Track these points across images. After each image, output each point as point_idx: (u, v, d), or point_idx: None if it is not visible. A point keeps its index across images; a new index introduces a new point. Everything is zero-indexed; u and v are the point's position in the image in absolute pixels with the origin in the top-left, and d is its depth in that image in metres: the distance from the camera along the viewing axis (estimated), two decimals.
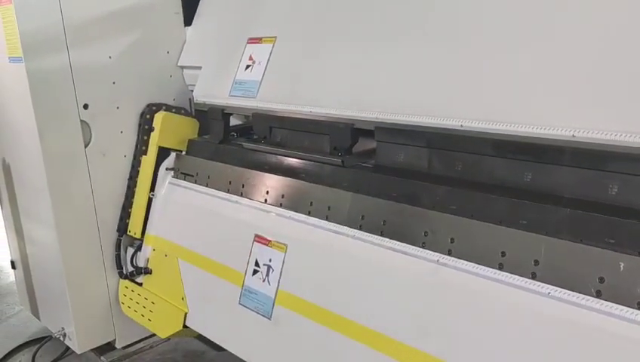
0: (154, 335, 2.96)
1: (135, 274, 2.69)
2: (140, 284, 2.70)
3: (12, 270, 3.14)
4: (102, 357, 2.84)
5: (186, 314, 2.44)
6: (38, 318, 3.00)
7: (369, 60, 1.97)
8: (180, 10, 2.76)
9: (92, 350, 2.80)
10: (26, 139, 2.48)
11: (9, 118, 2.62)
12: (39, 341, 2.97)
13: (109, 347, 2.84)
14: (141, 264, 2.69)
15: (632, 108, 1.34)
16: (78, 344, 2.68)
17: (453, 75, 1.72)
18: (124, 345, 2.85)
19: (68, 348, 2.85)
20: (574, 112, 1.44)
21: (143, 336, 2.93)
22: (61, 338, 2.75)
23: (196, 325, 2.43)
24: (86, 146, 2.52)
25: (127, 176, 2.69)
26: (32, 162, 2.49)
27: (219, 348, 2.81)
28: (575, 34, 1.49)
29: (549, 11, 1.56)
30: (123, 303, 2.74)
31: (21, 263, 2.97)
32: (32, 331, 3.15)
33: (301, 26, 2.28)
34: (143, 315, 2.63)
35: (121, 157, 2.65)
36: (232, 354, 2.80)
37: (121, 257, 2.73)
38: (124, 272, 2.71)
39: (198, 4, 2.80)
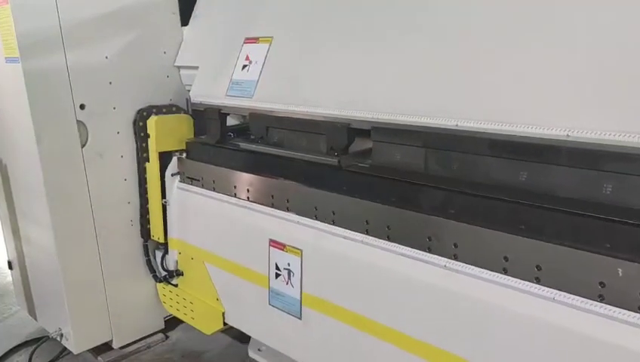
0: (151, 335, 2.97)
1: (168, 277, 2.76)
2: (176, 286, 2.77)
3: (9, 270, 3.13)
4: (99, 358, 2.84)
5: (223, 312, 2.52)
6: (35, 318, 3.00)
7: (365, 60, 1.97)
8: (177, 10, 2.76)
9: (89, 350, 2.80)
10: (22, 140, 2.48)
11: (5, 119, 2.62)
12: (36, 341, 2.97)
13: (106, 347, 2.84)
14: (171, 267, 2.78)
15: (626, 108, 1.35)
16: (75, 344, 2.68)
17: (448, 75, 1.72)
18: (121, 345, 2.85)
19: (65, 349, 2.85)
20: (569, 112, 1.44)
21: (140, 336, 2.93)
22: (58, 339, 2.75)
23: (235, 323, 2.52)
24: (83, 147, 2.52)
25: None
26: (28, 162, 2.48)
27: (218, 348, 2.83)
28: (569, 34, 1.49)
29: (543, 11, 1.56)
30: (164, 302, 2.87)
31: (18, 263, 2.96)
32: (29, 331, 3.14)
33: (298, 26, 2.29)
34: (185, 314, 2.74)
35: (117, 157, 2.65)
36: (229, 355, 2.83)
37: (152, 262, 2.82)
38: (158, 276, 2.80)
39: (194, 4, 2.80)
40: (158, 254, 2.85)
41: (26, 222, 2.76)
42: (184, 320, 2.78)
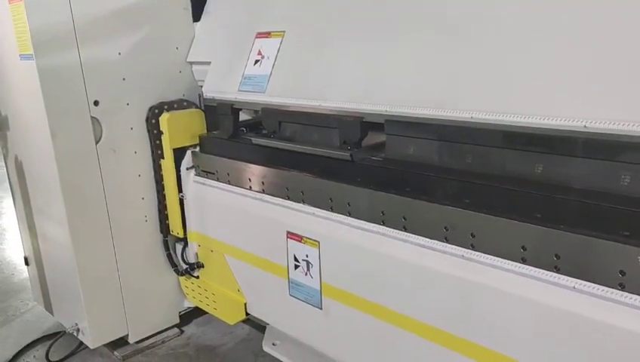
0: (166, 329, 2.99)
1: (190, 270, 2.80)
2: (197, 277, 2.81)
3: (25, 266, 3.17)
4: (115, 352, 2.86)
5: (245, 303, 2.56)
6: (52, 314, 3.03)
7: (378, 53, 1.96)
8: (189, 6, 2.77)
9: (105, 345, 2.82)
10: (37, 137, 2.50)
11: (20, 116, 2.65)
12: (53, 336, 3.00)
13: (121, 342, 2.86)
14: (191, 259, 2.81)
15: None
16: (91, 339, 2.71)
17: (463, 66, 1.71)
18: (136, 339, 2.88)
19: (81, 343, 2.88)
20: (585, 103, 1.42)
21: (156, 331, 2.95)
22: (74, 334, 2.78)
23: (257, 313, 2.56)
24: (97, 143, 2.54)
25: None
26: (43, 159, 2.50)
27: (232, 342, 2.84)
28: (586, 23, 1.47)
29: (559, 2, 1.54)
30: (187, 294, 2.92)
31: (34, 259, 3.00)
32: (45, 326, 3.17)
33: (309, 20, 2.28)
34: (208, 305, 2.79)
35: (131, 153, 2.67)
36: (244, 350, 2.84)
37: (172, 256, 2.86)
38: (180, 269, 2.84)
39: (206, 0, 2.80)
40: (178, 248, 2.88)
41: (42, 219, 2.79)
42: (207, 310, 2.82)
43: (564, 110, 1.45)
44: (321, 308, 2.12)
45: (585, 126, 1.40)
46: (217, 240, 2.62)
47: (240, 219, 2.46)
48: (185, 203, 2.73)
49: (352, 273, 2.00)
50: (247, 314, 2.60)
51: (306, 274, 2.14)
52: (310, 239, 2.09)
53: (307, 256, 2.12)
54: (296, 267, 2.18)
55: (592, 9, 1.47)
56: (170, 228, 2.81)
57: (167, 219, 2.80)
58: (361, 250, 1.93)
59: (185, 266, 2.84)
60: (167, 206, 2.78)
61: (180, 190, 2.72)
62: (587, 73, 1.44)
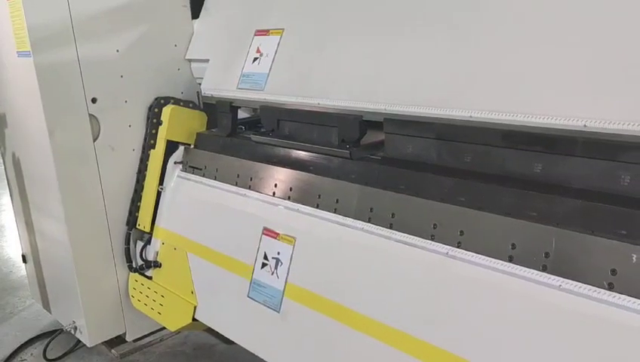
0: (164, 328, 2.97)
1: (144, 267, 2.69)
2: (150, 278, 2.71)
3: (23, 264, 3.16)
4: (112, 350, 2.86)
5: (195, 307, 2.44)
6: (49, 312, 3.02)
7: (377, 52, 1.95)
8: (188, 3, 2.75)
9: (103, 343, 2.82)
10: (35, 134, 2.49)
11: (18, 113, 2.64)
12: (50, 334, 3.00)
13: (119, 340, 2.85)
14: (150, 257, 2.69)
15: None
16: (88, 337, 2.69)
17: (462, 65, 1.70)
18: (134, 338, 2.87)
19: (79, 342, 2.87)
20: (586, 102, 1.41)
21: (153, 329, 2.94)
22: (72, 332, 2.77)
23: (205, 318, 2.43)
24: (95, 140, 2.53)
25: (136, 170, 2.70)
26: (41, 156, 2.50)
27: (229, 341, 2.82)
28: (586, 22, 1.46)
29: (559, 0, 1.53)
30: (133, 296, 2.75)
31: (32, 257, 2.99)
32: (43, 324, 3.17)
33: (309, 18, 2.27)
34: (152, 308, 2.64)
35: (129, 151, 2.66)
36: (241, 348, 2.82)
37: (131, 251, 2.74)
38: (134, 266, 2.72)
39: None
40: (139, 245, 2.76)
41: (40, 216, 2.78)
42: (149, 315, 2.68)
43: (564, 109, 1.44)
44: (278, 311, 2.03)
45: (585, 125, 1.39)
46: (185, 237, 2.54)
47: (217, 215, 2.41)
48: (161, 196, 2.66)
49: (322, 272, 1.92)
50: (194, 319, 2.47)
51: (272, 274, 2.06)
52: (287, 236, 2.03)
53: (279, 253, 2.05)
54: (264, 266, 2.11)
55: (593, 8, 1.46)
56: (138, 222, 2.71)
57: (138, 211, 2.72)
58: (338, 246, 1.88)
59: (140, 263, 2.72)
60: (143, 196, 2.69)
61: (160, 183, 2.66)
62: (587, 72, 1.43)
